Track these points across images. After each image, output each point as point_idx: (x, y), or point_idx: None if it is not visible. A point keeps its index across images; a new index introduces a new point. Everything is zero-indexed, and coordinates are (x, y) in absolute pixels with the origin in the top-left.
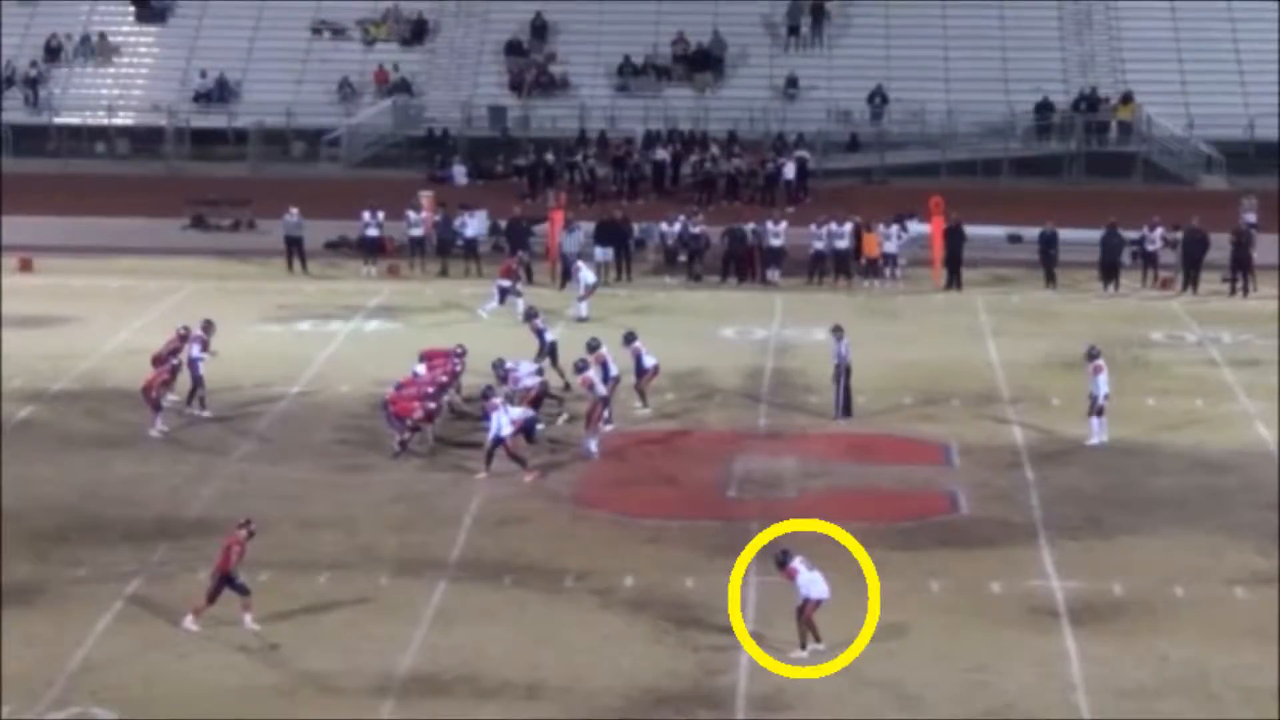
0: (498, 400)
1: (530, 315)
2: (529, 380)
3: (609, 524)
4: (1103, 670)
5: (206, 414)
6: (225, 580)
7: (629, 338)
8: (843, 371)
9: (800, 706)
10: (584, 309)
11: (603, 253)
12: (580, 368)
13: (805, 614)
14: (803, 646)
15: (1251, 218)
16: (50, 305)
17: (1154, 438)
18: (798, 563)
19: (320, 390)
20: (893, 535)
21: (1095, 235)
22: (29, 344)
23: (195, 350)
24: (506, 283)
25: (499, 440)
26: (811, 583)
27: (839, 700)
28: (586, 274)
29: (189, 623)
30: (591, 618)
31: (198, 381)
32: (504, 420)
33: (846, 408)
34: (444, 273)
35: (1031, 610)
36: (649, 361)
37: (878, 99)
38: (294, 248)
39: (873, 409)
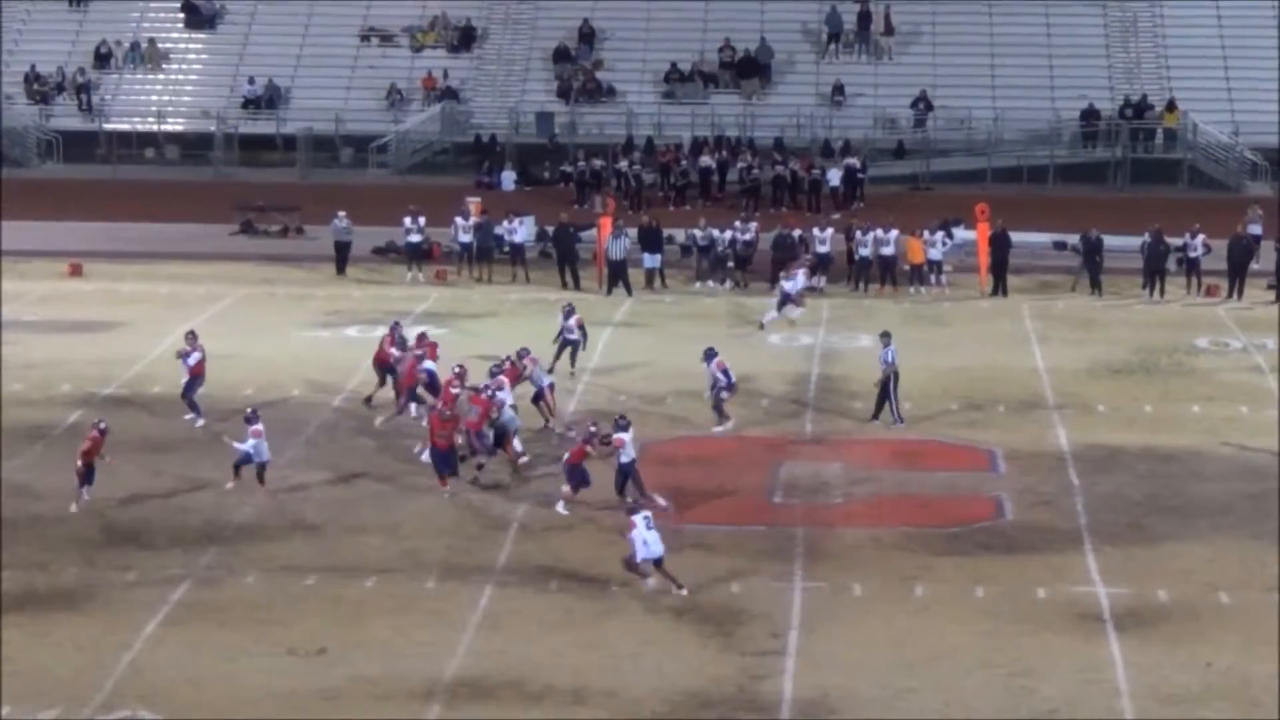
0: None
1: (569, 314)
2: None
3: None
4: (1147, 676)
5: (189, 417)
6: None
7: (709, 354)
8: (891, 377)
9: (845, 711)
10: (769, 317)
11: (650, 259)
12: (621, 426)
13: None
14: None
15: (1257, 229)
16: (99, 310)
17: (1199, 444)
18: (637, 517)
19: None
20: (938, 541)
21: (1139, 241)
22: (77, 349)
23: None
24: (790, 285)
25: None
26: (644, 542)
27: (884, 705)
28: (786, 284)
29: (561, 507)
30: (636, 623)
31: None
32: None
33: (894, 412)
34: (483, 279)
35: (1076, 616)
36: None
37: (921, 104)
38: (341, 253)
39: (918, 415)
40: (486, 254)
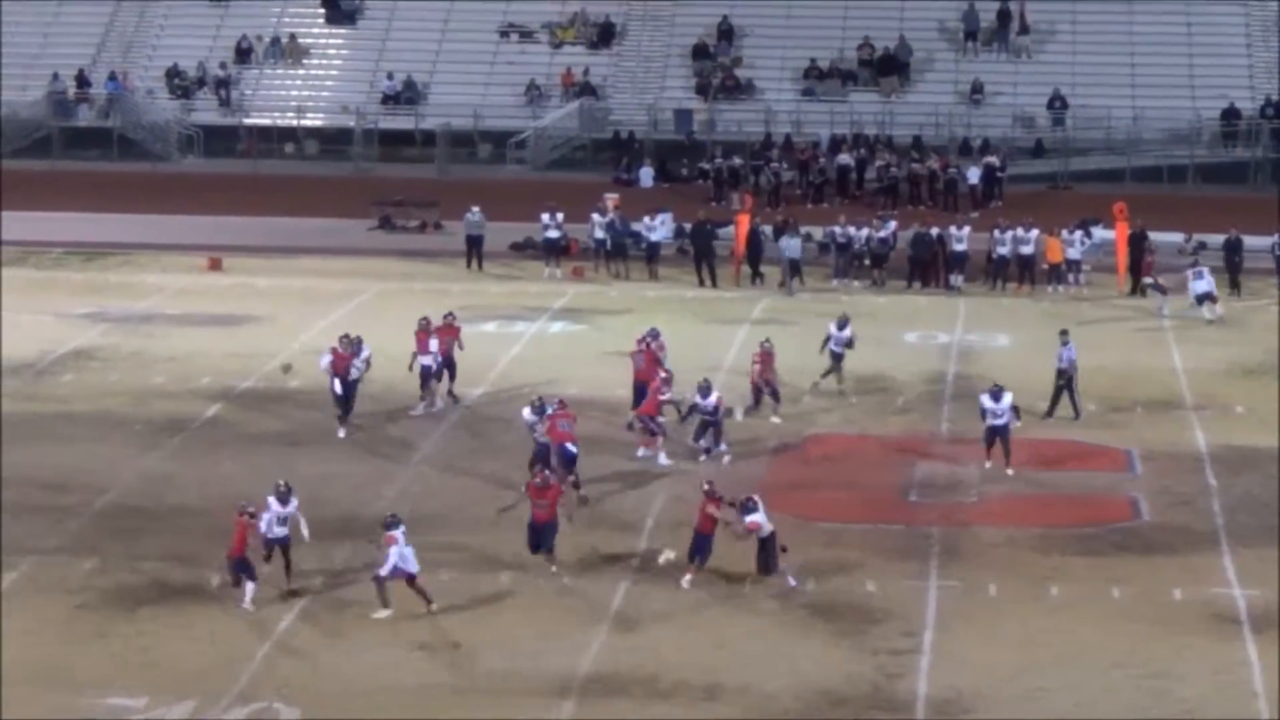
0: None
1: (843, 324)
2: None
3: (789, 527)
4: None
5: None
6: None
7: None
8: (1070, 375)
9: (979, 711)
10: (1210, 312)
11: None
12: (749, 508)
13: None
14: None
15: None
16: (237, 304)
17: None
18: (397, 532)
19: (504, 391)
20: (1073, 541)
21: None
22: (216, 343)
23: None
24: (1151, 280)
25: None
26: (401, 556)
27: (1017, 705)
28: (1198, 283)
29: (686, 581)
30: (770, 620)
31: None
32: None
33: (1069, 407)
34: (619, 275)
35: (1213, 617)
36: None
37: (1057, 103)
38: (474, 247)
39: (1056, 414)
40: (621, 250)
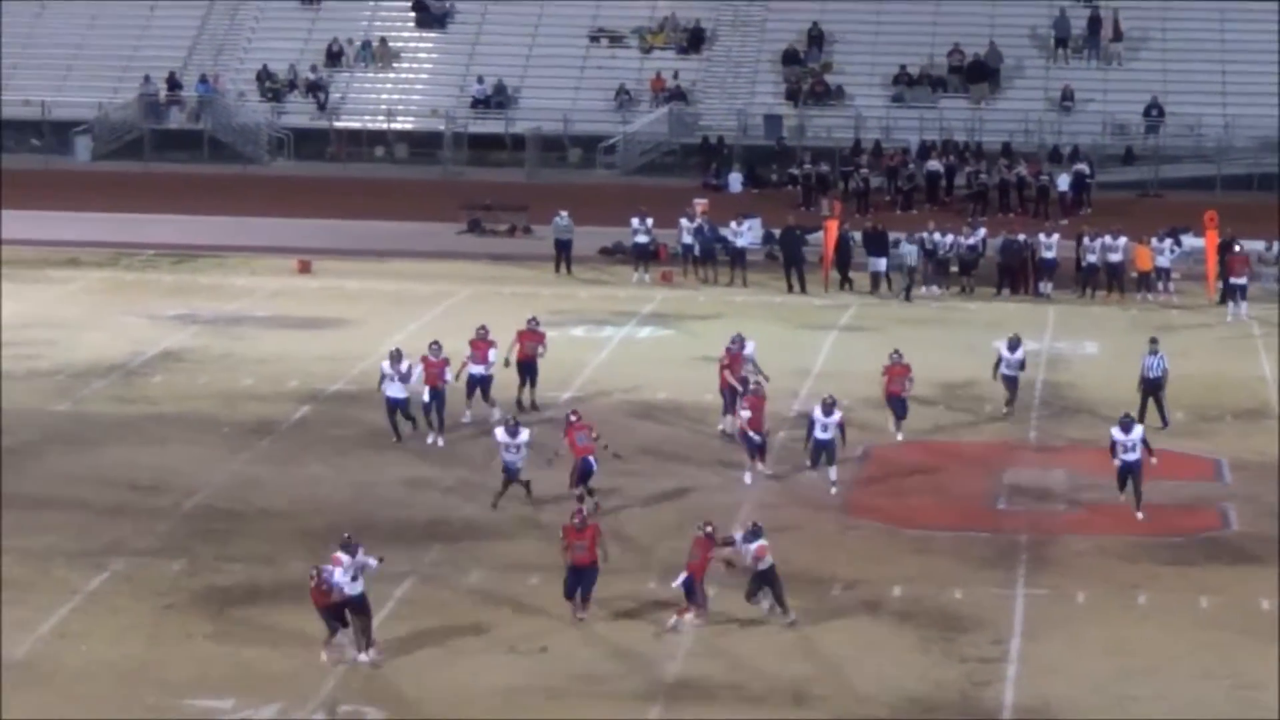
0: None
1: (1015, 346)
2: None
3: (878, 533)
4: None
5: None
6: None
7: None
8: (1161, 384)
9: (1068, 718)
10: None
11: (876, 263)
12: (755, 533)
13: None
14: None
15: None
16: (327, 307)
17: None
18: (361, 552)
19: (593, 395)
20: (1162, 550)
21: None
22: (306, 345)
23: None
24: (1243, 280)
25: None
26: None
27: (1106, 714)
28: None
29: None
30: (859, 626)
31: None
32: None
33: (1157, 416)
34: (708, 280)
35: None
36: None
37: (1154, 111)
38: (562, 251)
39: (1144, 423)
40: (710, 255)
